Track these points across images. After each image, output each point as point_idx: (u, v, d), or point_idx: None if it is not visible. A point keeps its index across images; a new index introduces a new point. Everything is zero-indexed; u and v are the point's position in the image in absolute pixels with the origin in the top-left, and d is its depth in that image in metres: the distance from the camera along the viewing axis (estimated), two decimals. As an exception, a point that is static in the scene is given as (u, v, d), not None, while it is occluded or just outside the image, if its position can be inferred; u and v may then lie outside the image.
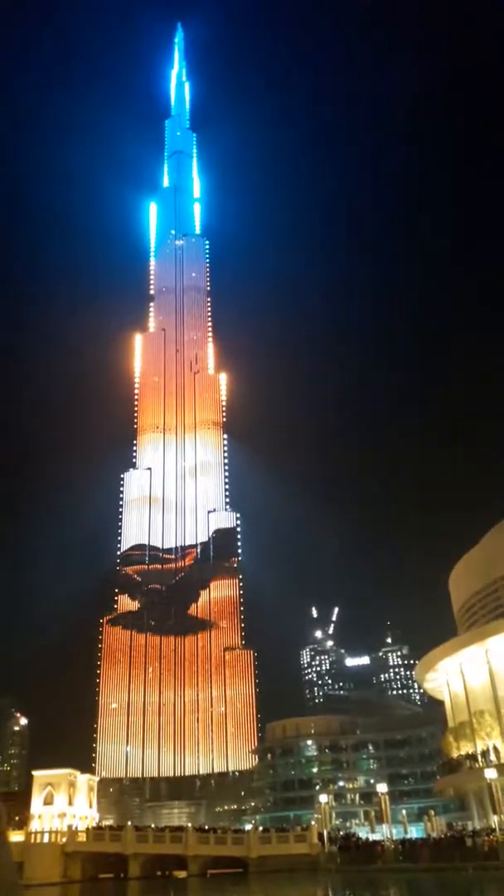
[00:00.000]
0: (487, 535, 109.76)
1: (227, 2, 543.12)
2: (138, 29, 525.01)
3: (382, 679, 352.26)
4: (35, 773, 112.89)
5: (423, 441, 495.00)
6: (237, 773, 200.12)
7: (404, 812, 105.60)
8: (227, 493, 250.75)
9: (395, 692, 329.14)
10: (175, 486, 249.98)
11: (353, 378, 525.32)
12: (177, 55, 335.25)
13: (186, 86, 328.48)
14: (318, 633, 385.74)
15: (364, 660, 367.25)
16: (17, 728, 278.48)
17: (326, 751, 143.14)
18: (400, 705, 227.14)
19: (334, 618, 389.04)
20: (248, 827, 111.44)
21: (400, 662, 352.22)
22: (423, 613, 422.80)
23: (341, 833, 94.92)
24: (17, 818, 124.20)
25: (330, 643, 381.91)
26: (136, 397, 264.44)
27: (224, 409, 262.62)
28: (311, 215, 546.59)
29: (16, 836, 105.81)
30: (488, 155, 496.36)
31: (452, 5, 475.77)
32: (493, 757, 78.68)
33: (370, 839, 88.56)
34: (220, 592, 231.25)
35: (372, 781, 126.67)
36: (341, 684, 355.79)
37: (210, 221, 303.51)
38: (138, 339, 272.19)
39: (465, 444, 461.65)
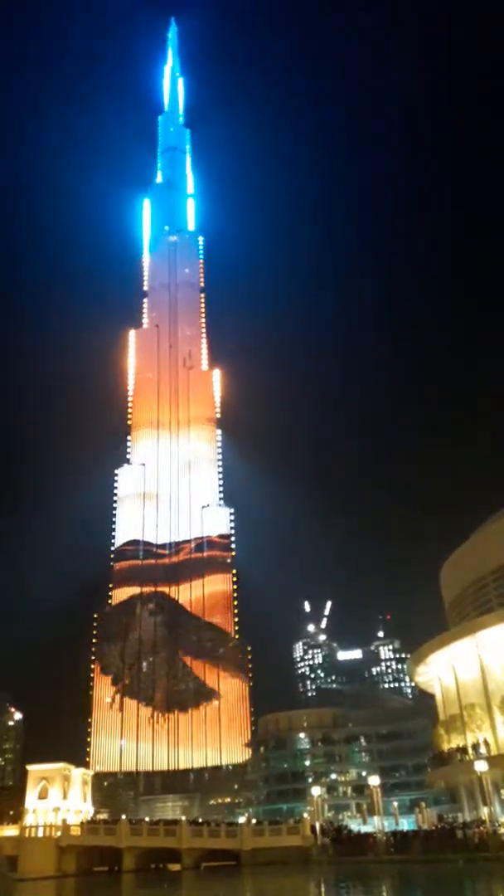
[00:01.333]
0: (478, 530, 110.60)
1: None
2: (131, 24, 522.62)
3: (374, 672, 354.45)
4: (29, 767, 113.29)
5: (419, 438, 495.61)
6: (230, 767, 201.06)
7: (396, 804, 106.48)
8: (221, 489, 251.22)
9: (387, 685, 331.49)
10: (169, 481, 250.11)
11: (348, 374, 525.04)
12: (170, 50, 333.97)
13: (180, 81, 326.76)
14: (311, 627, 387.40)
15: (356, 653, 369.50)
16: (11, 723, 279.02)
17: (319, 744, 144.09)
18: (392, 699, 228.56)
19: (327, 612, 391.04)
20: (242, 820, 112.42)
21: (392, 656, 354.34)
22: (415, 607, 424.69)
23: (334, 825, 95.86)
24: (11, 812, 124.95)
25: (323, 637, 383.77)
26: (129, 393, 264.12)
27: (218, 405, 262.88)
28: (307, 212, 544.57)
29: (10, 831, 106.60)
30: (488, 155, 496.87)
31: (452, 5, 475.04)
32: (483, 749, 79.72)
33: (362, 831, 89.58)
34: (213, 587, 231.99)
35: (364, 774, 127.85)
36: (334, 678, 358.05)
37: (204, 218, 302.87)
38: (132, 336, 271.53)
39: (463, 441, 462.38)
